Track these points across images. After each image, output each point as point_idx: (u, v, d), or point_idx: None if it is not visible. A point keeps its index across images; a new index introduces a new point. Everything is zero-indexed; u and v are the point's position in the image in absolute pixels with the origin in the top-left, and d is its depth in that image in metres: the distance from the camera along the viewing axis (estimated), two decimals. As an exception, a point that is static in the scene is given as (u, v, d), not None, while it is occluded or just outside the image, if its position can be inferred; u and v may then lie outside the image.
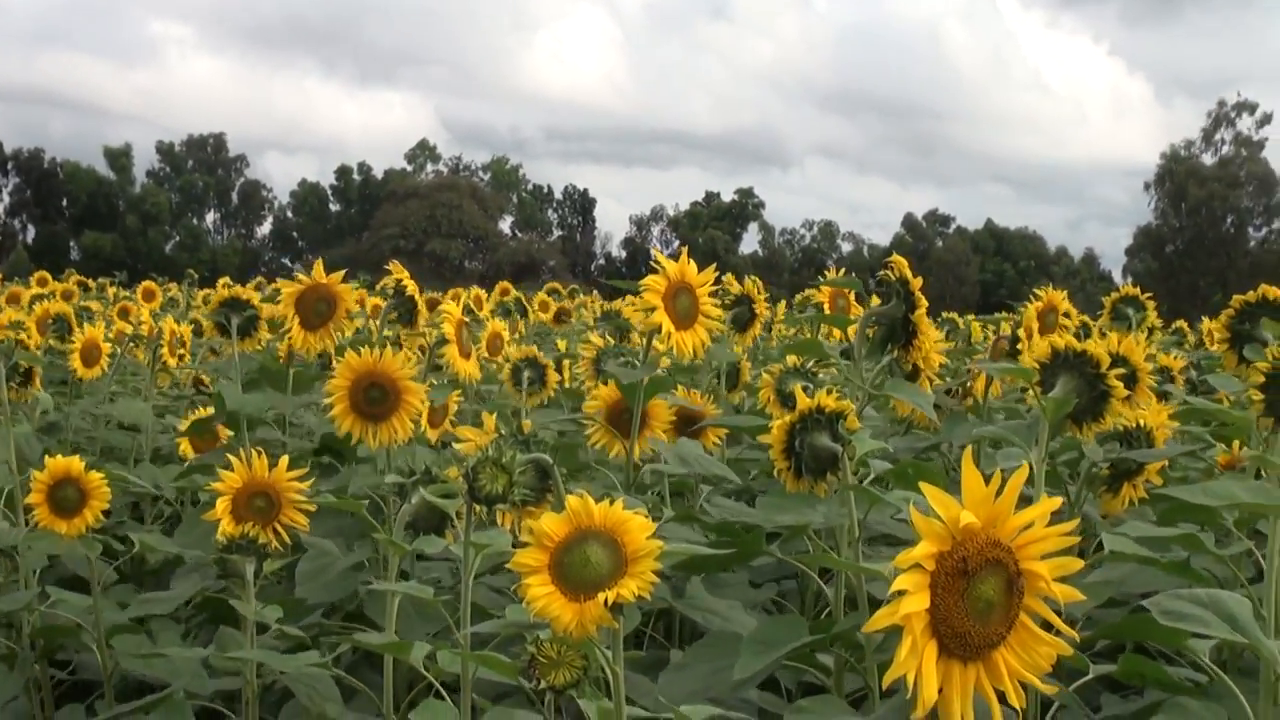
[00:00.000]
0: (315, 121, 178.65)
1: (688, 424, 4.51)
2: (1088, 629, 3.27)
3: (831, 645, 3.12)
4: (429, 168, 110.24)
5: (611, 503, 2.10)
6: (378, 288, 4.58)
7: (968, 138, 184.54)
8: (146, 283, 11.73)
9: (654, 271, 3.61)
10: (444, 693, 2.81)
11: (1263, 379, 3.06)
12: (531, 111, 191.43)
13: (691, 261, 3.67)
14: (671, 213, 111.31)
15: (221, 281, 13.05)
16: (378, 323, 4.61)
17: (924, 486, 1.51)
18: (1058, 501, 1.59)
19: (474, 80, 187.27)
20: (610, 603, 2.02)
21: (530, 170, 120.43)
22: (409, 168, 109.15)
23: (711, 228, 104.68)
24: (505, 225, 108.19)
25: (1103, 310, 5.90)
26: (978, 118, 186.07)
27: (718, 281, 3.78)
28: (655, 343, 3.70)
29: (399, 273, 4.50)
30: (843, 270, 5.11)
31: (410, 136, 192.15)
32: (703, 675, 3.13)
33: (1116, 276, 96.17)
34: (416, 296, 4.51)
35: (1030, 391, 3.13)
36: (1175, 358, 5.64)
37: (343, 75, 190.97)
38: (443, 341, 4.37)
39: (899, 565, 1.50)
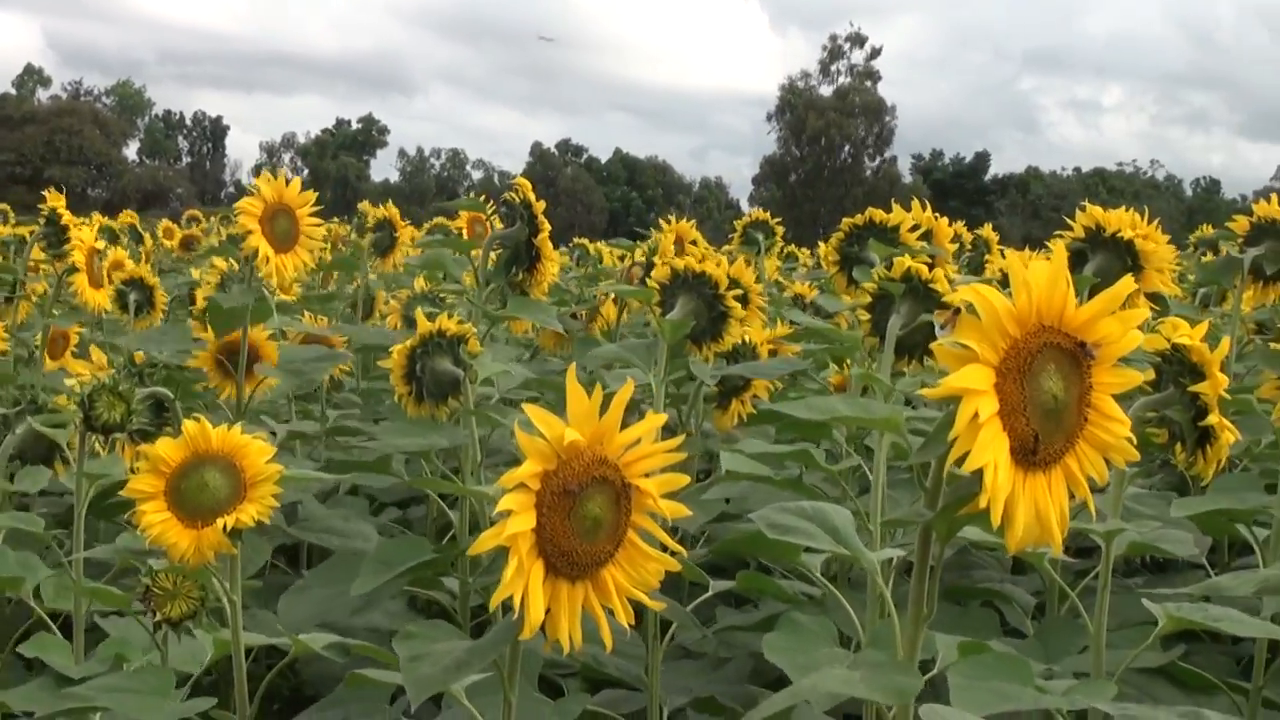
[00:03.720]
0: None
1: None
2: (707, 546, 3.35)
3: (453, 567, 3.11)
4: (40, 93, 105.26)
5: (230, 427, 2.05)
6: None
7: (590, 65, 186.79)
8: None
9: (250, 194, 3.53)
10: (53, 627, 2.72)
11: (869, 299, 3.16)
12: (142, 32, 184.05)
13: (291, 183, 3.59)
14: (302, 140, 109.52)
15: None
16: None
17: (527, 406, 1.49)
18: (663, 418, 1.59)
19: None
20: (229, 528, 1.98)
21: (151, 95, 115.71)
22: (18, 94, 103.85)
23: (342, 155, 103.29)
24: (131, 152, 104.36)
25: (733, 235, 6.05)
26: (599, 45, 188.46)
27: (323, 204, 3.71)
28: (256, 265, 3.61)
29: (54, 201, 4.31)
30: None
31: (16, 57, 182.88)
32: (323, 599, 3.08)
33: (744, 205, 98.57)
34: (71, 225, 4.33)
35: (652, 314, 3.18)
36: (809, 286, 5.81)
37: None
38: (73, 270, 4.19)
39: (504, 485, 1.48)
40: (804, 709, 2.44)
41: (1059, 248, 1.35)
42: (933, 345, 1.31)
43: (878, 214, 3.58)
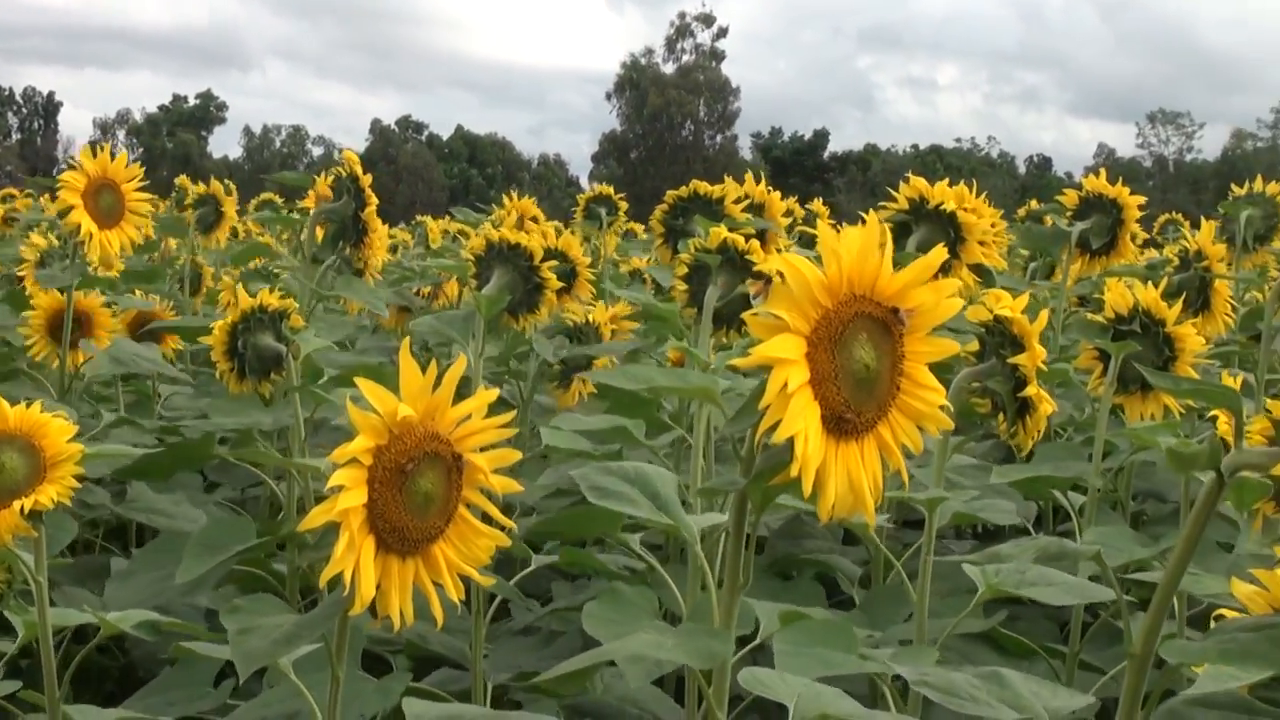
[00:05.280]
0: None
1: (144, 329, 4.38)
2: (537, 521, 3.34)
3: (282, 548, 3.07)
4: None
5: (29, 405, 2.00)
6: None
7: (427, 41, 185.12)
8: None
9: (74, 169, 3.47)
10: None
11: (686, 270, 3.17)
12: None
13: (117, 158, 3.53)
14: (138, 117, 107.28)
15: None
16: None
17: (359, 381, 1.48)
18: (495, 393, 1.59)
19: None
20: (27, 510, 1.93)
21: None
22: None
23: (180, 132, 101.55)
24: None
25: (576, 210, 6.07)
26: (435, 20, 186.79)
27: (158, 181, 3.66)
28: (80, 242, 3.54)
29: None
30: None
31: None
32: (151, 582, 3.02)
33: (584, 182, 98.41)
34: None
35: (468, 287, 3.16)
36: (647, 260, 5.84)
37: None
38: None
39: (335, 460, 1.47)
40: (622, 678, 2.44)
41: (873, 218, 1.36)
42: (744, 315, 1.31)
43: (702, 186, 3.59)
